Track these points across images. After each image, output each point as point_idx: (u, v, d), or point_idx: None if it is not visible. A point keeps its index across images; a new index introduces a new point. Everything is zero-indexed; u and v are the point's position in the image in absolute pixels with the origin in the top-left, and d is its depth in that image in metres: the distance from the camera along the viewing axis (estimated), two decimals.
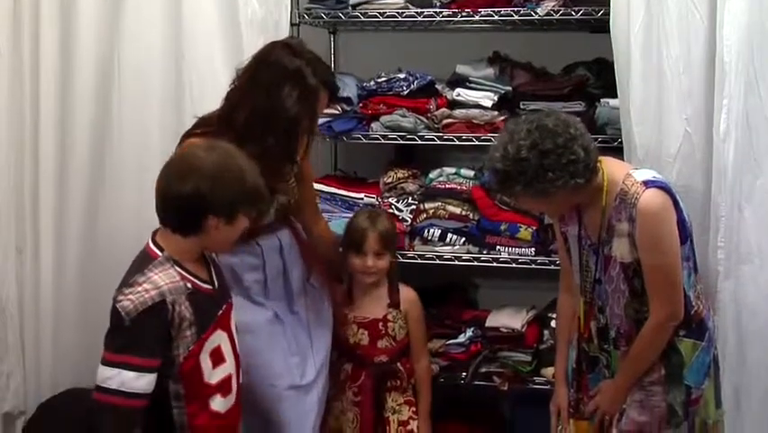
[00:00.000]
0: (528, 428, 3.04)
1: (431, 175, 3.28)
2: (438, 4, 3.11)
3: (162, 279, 2.08)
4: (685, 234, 2.32)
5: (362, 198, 3.26)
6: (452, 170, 3.27)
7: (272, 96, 2.41)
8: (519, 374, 3.11)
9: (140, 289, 2.05)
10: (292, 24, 3.15)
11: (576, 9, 2.97)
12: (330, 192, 3.29)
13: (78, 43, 3.13)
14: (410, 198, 3.23)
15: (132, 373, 2.02)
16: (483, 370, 3.13)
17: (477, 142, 3.08)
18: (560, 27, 3.21)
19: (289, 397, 2.62)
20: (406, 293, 2.94)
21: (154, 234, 2.19)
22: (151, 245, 2.16)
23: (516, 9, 3.03)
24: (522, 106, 3.07)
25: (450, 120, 3.14)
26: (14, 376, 3.26)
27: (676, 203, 2.31)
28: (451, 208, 3.17)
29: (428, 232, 3.16)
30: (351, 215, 3.03)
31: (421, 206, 3.21)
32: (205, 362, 2.15)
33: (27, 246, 3.24)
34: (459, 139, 3.13)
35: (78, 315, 3.19)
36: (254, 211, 2.22)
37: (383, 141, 3.20)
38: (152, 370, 2.05)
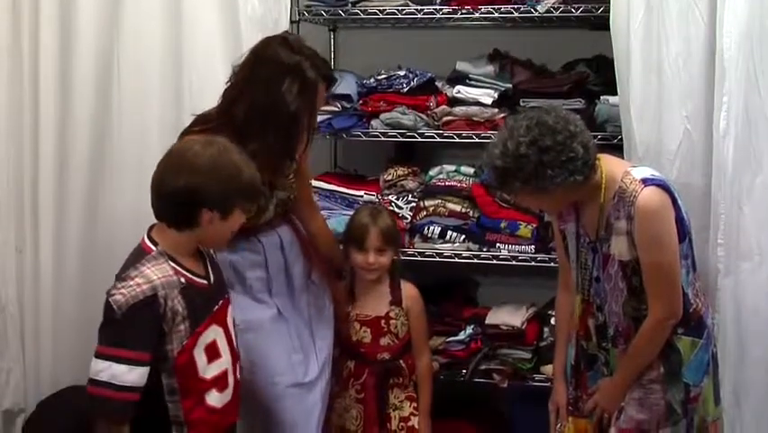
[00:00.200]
0: (528, 426, 3.04)
1: (431, 172, 3.28)
2: (438, 1, 3.11)
3: (155, 273, 2.09)
4: (684, 231, 2.32)
5: (362, 196, 3.26)
6: (452, 167, 3.27)
7: (272, 91, 2.40)
8: (519, 372, 3.11)
9: (132, 283, 2.06)
10: (292, 22, 3.15)
11: (576, 6, 2.97)
12: (330, 189, 3.29)
13: (78, 39, 3.12)
14: (410, 196, 3.23)
15: (122, 367, 2.04)
16: (483, 367, 3.14)
17: (477, 140, 3.07)
18: (560, 24, 3.21)
19: (293, 395, 2.62)
20: (408, 290, 2.94)
21: (150, 229, 2.20)
22: (146, 240, 2.17)
23: (516, 6, 3.04)
24: (522, 104, 3.07)
25: (450, 117, 3.14)
26: (14, 373, 3.26)
27: (675, 201, 2.30)
28: (451, 206, 3.18)
29: (428, 229, 3.16)
30: (350, 212, 3.03)
31: (421, 203, 3.21)
32: (200, 357, 2.15)
33: (27, 244, 3.24)
34: (459, 136, 3.13)
35: (78, 312, 3.18)
36: (250, 206, 2.23)
37: (383, 138, 3.20)
38: (143, 363, 2.06)
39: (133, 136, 3.14)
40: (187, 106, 2.96)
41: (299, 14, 3.21)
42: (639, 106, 2.72)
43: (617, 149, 2.77)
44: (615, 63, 2.78)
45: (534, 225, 3.07)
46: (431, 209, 3.18)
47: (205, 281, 2.22)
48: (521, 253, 3.09)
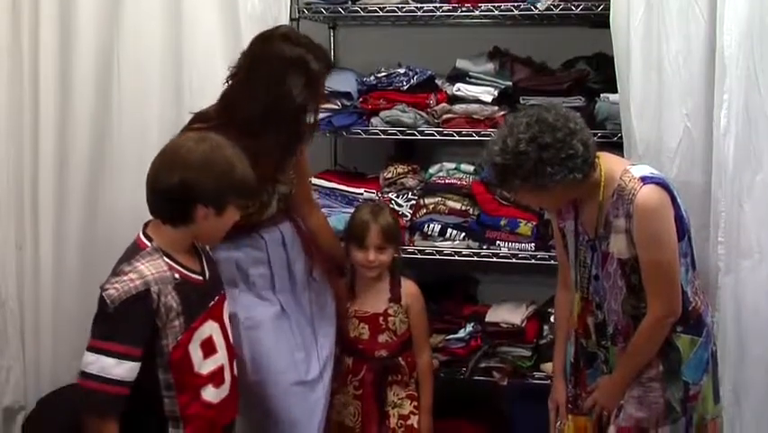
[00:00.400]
0: (528, 424, 3.03)
1: (431, 170, 3.28)
2: None
3: (148, 269, 2.10)
4: (683, 229, 2.32)
5: (362, 194, 3.27)
6: (452, 165, 3.27)
7: (277, 86, 2.40)
8: (519, 369, 3.11)
9: (125, 278, 2.08)
10: (292, 19, 3.15)
11: (576, 4, 2.97)
12: (330, 187, 3.30)
13: (78, 38, 3.12)
14: (410, 194, 3.23)
15: (111, 360, 2.05)
16: (483, 365, 3.14)
17: (477, 138, 3.07)
18: (560, 22, 3.21)
19: (295, 393, 2.62)
20: (408, 287, 2.94)
21: (145, 225, 2.21)
22: (141, 236, 2.18)
23: (516, 4, 3.03)
24: (522, 101, 3.07)
25: (450, 115, 3.14)
26: (14, 370, 3.26)
27: (674, 199, 2.30)
28: (451, 204, 3.18)
29: (428, 227, 3.16)
30: (350, 210, 3.03)
31: (421, 201, 3.21)
32: (195, 352, 2.16)
33: (27, 241, 3.24)
34: (459, 134, 3.13)
35: (78, 310, 3.17)
36: (243, 202, 2.23)
37: (383, 136, 3.20)
38: (133, 358, 2.07)
39: (133, 135, 3.13)
40: (187, 105, 2.96)
41: (299, 12, 3.22)
42: (639, 104, 2.72)
43: (616, 147, 2.76)
44: (615, 61, 2.77)
45: (534, 223, 3.07)
46: (431, 207, 3.18)
47: (200, 277, 2.22)
48: (521, 250, 3.09)
